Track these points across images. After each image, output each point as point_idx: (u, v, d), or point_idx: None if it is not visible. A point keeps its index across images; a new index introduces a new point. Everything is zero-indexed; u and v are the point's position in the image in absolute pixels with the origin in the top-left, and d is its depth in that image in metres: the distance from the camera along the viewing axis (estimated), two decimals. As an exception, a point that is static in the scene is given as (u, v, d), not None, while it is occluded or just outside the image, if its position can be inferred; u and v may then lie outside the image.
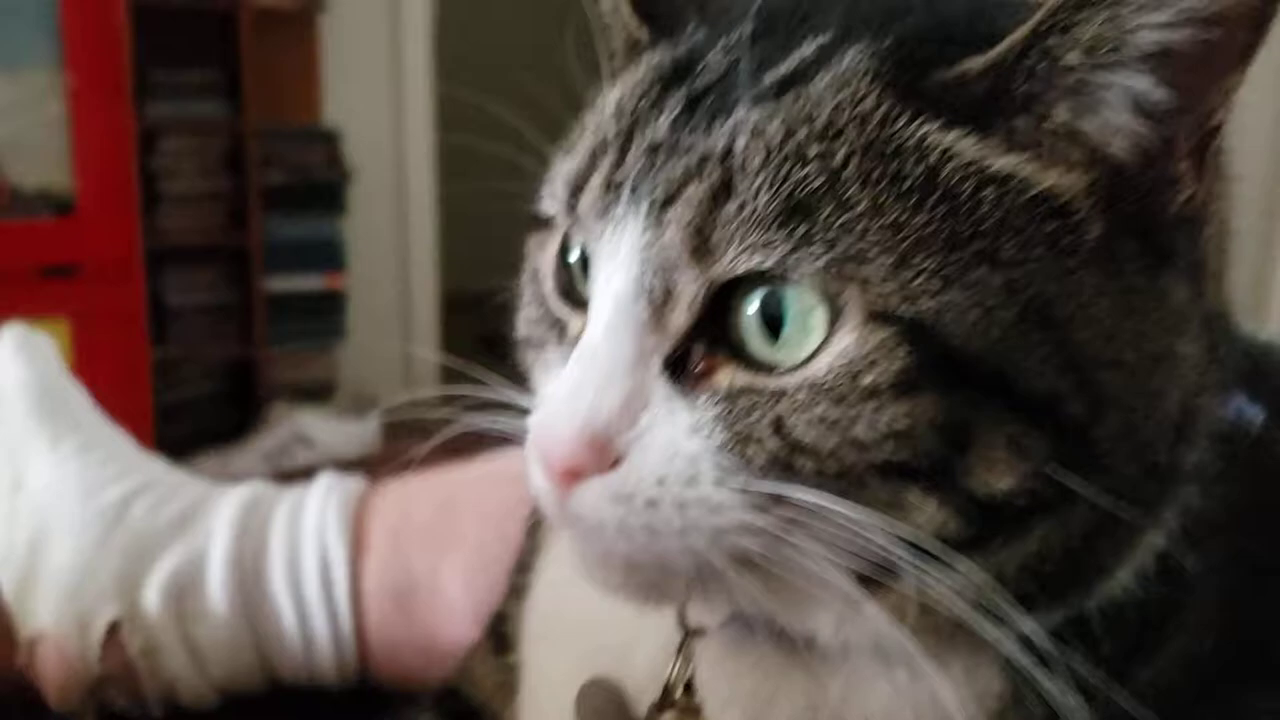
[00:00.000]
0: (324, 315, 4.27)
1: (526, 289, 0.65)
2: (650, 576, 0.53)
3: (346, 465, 1.16)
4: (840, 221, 0.48)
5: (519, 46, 6.08)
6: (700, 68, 0.55)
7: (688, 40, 0.59)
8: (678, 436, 0.50)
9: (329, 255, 4.23)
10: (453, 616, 1.00)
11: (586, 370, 0.52)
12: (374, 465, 1.12)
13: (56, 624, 0.97)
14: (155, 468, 1.09)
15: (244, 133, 3.89)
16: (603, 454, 0.51)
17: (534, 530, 0.77)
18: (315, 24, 4.19)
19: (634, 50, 0.62)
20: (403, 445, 0.79)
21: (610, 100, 0.58)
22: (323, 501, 1.05)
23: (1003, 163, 0.49)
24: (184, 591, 0.99)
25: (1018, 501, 0.49)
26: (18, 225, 3.14)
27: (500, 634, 0.80)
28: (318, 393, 4.29)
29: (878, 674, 0.57)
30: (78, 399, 1.11)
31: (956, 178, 0.49)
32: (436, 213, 4.81)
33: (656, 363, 0.52)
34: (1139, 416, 0.50)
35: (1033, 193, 0.49)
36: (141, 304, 3.46)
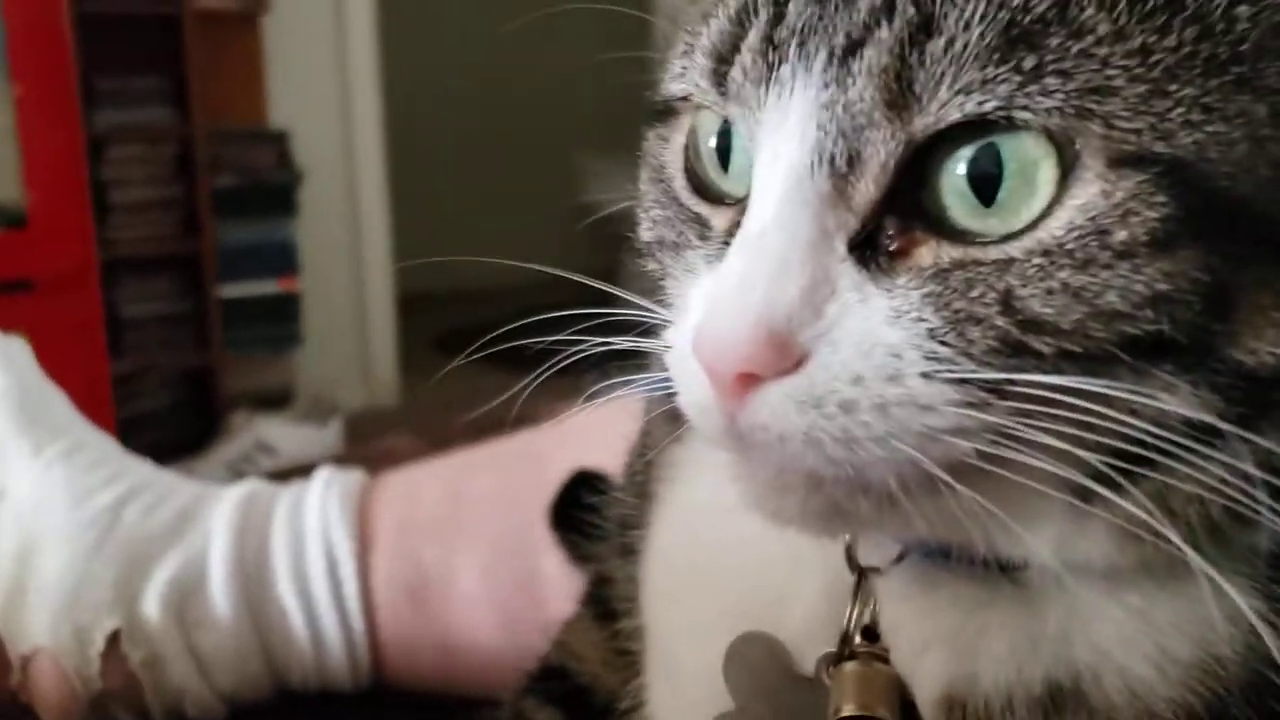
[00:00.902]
0: (280, 320, 4.22)
1: (650, 190, 0.57)
2: (835, 498, 0.47)
3: (309, 471, 1.10)
4: (1077, 49, 0.41)
5: (466, 38, 6.08)
6: None
7: None
8: (875, 326, 0.44)
9: (282, 259, 4.17)
10: (471, 610, 0.96)
11: (756, 258, 0.45)
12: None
13: (52, 639, 0.93)
14: (145, 470, 1.05)
15: (192, 137, 3.83)
16: (784, 352, 0.44)
17: (640, 483, 0.69)
18: (258, 25, 4.15)
19: None
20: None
21: None
22: (323, 497, 1.01)
23: None
24: (185, 598, 0.95)
25: None
26: (-30, 240, 3.06)
27: (604, 600, 0.72)
28: (277, 399, 4.25)
29: (1104, 599, 0.50)
30: (58, 403, 1.07)
31: None
32: (389, 211, 4.77)
33: (841, 244, 0.45)
34: None
35: None
36: (99, 316, 3.39)
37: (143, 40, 3.75)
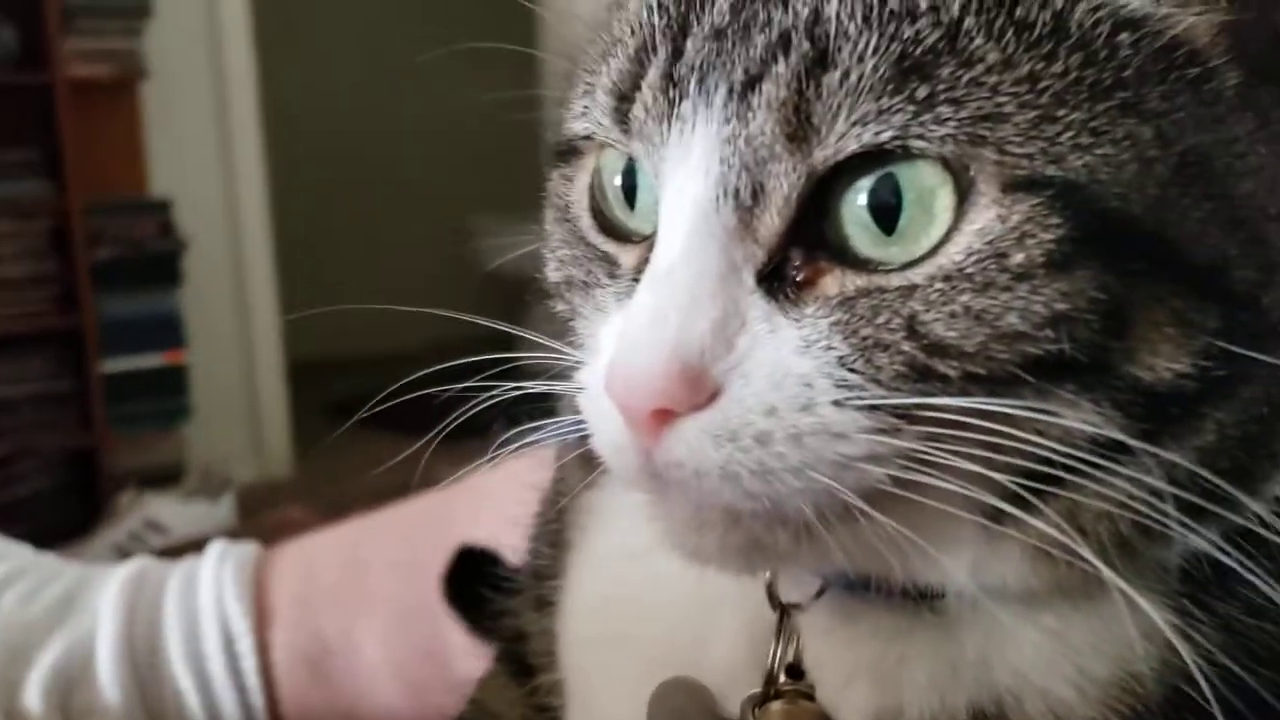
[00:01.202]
0: (167, 393, 4.14)
1: (556, 230, 0.57)
2: (753, 532, 0.46)
3: (202, 547, 1.06)
4: (968, 78, 0.42)
5: (350, 97, 6.05)
6: None
7: None
8: (785, 356, 0.44)
9: (168, 331, 4.11)
10: (376, 678, 0.93)
11: (666, 293, 0.45)
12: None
13: (-76, 739, 0.87)
14: (23, 553, 0.99)
15: (68, 210, 3.75)
16: (698, 386, 0.44)
17: (554, 531, 0.68)
18: (136, 92, 4.08)
19: None
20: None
21: (642, 4, 0.51)
22: (217, 571, 0.97)
23: (1137, 3, 0.44)
24: (70, 686, 0.90)
25: (1187, 386, 0.43)
26: None
27: (519, 656, 0.70)
28: (166, 475, 4.14)
29: (1021, 622, 0.50)
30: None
31: (1089, 22, 0.44)
32: (276, 278, 4.70)
33: (749, 277, 0.45)
34: None
35: (1167, 38, 0.44)
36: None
37: (13, 111, 3.69)
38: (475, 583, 0.76)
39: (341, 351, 5.83)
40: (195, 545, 1.05)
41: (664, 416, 0.44)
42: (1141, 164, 0.42)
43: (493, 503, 0.93)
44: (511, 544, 0.75)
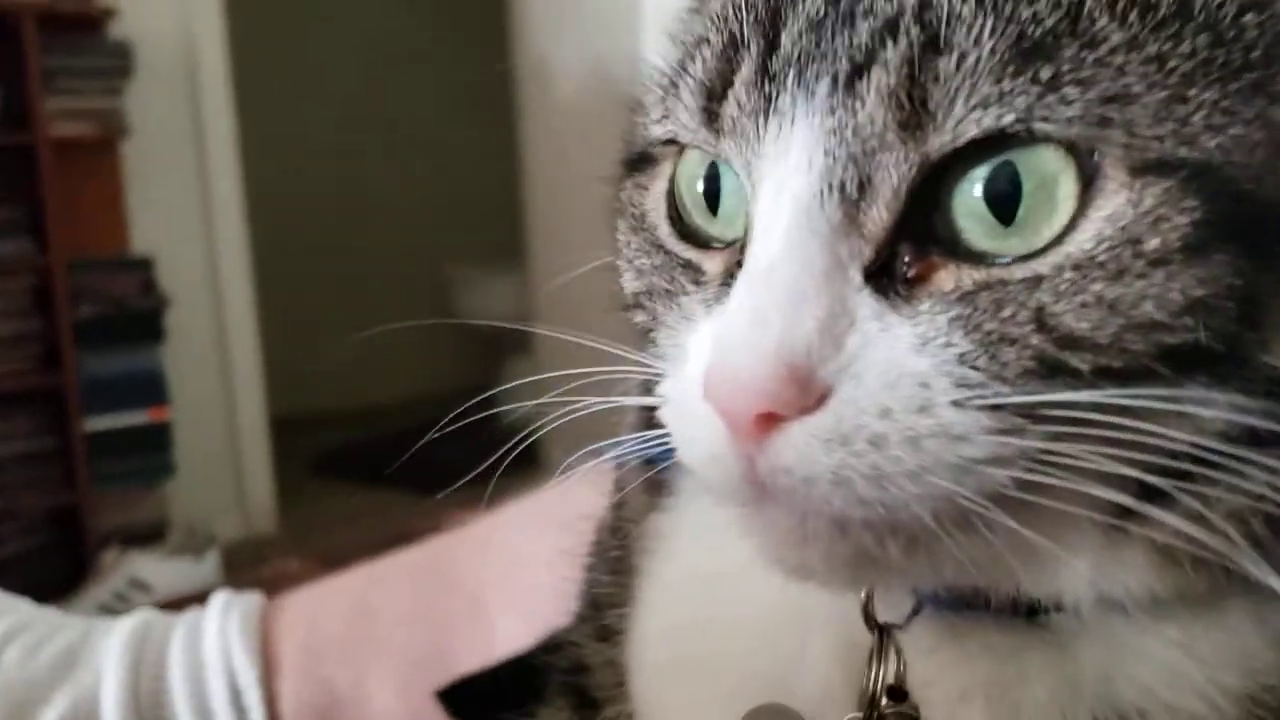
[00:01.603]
0: (150, 451, 4.10)
1: (631, 239, 0.55)
2: (862, 544, 0.44)
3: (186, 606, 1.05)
4: (1093, 58, 0.41)
5: (329, 153, 6.07)
6: None
7: None
8: (899, 355, 0.42)
9: (150, 388, 4.07)
10: (388, 727, 0.92)
11: (768, 292, 0.43)
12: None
13: (-73, 800, 0.85)
14: (24, 608, 0.98)
15: (50, 268, 3.73)
16: (806, 388, 0.41)
17: (616, 559, 0.65)
18: (117, 151, 4.08)
19: None
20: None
21: (725, 2, 0.50)
22: (222, 622, 0.96)
23: None
24: (76, 742, 0.89)
25: None
26: None
27: (581, 689, 0.66)
28: (150, 533, 4.09)
29: (1141, 635, 0.47)
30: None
31: (1215, 3, 0.42)
32: (258, 334, 4.69)
33: (856, 273, 0.43)
34: None
35: None
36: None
37: (-3, 171, 3.66)
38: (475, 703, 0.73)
39: (323, 405, 5.82)
40: (184, 603, 1.04)
41: (769, 421, 0.42)
42: (1274, 146, 0.41)
43: (494, 548, 0.92)
44: (519, 589, 0.74)
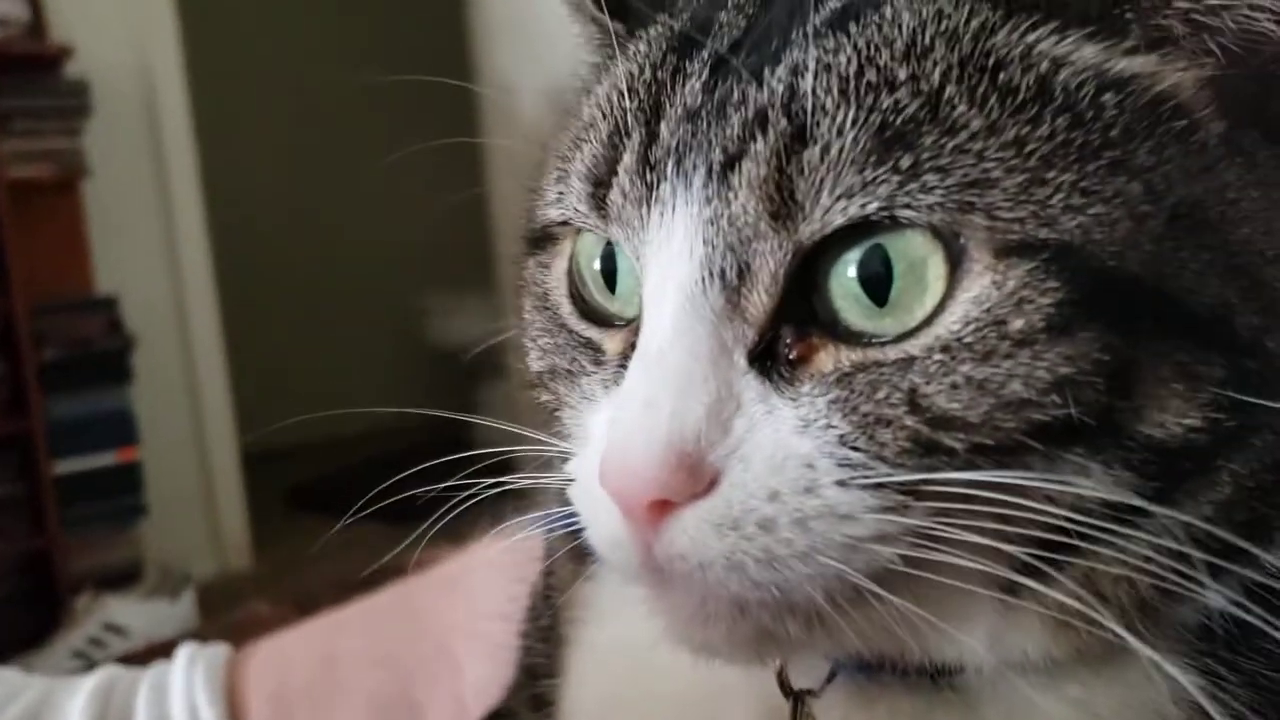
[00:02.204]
0: (121, 492, 4.05)
1: (536, 318, 0.57)
2: (761, 623, 0.45)
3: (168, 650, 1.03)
4: (952, 145, 0.42)
5: (294, 183, 6.04)
6: (716, 27, 0.50)
7: (685, 9, 0.53)
8: (784, 437, 0.43)
9: (119, 428, 4.02)
10: (355, 775, 0.90)
11: (657, 379, 0.44)
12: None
13: None
14: (-14, 670, 0.96)
15: (13, 312, 3.68)
16: (695, 475, 0.42)
17: (546, 628, 0.66)
18: (78, 190, 4.04)
19: (606, 47, 0.56)
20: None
21: (611, 88, 0.51)
22: (188, 676, 0.94)
23: (1122, 65, 0.44)
24: (40, 806, 0.87)
25: (1198, 440, 0.42)
26: None
27: None
28: (124, 576, 4.04)
29: (1044, 694, 0.48)
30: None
31: (1074, 85, 0.43)
32: (227, 370, 4.65)
33: (741, 357, 0.44)
34: None
35: (1152, 94, 0.44)
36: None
37: (-46, 215, 3.62)
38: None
39: (296, 438, 5.77)
40: (161, 650, 1.03)
41: (663, 508, 0.43)
42: (1134, 220, 0.42)
43: (461, 591, 0.91)
44: (486, 633, 0.74)
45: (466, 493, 0.53)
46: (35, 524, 3.79)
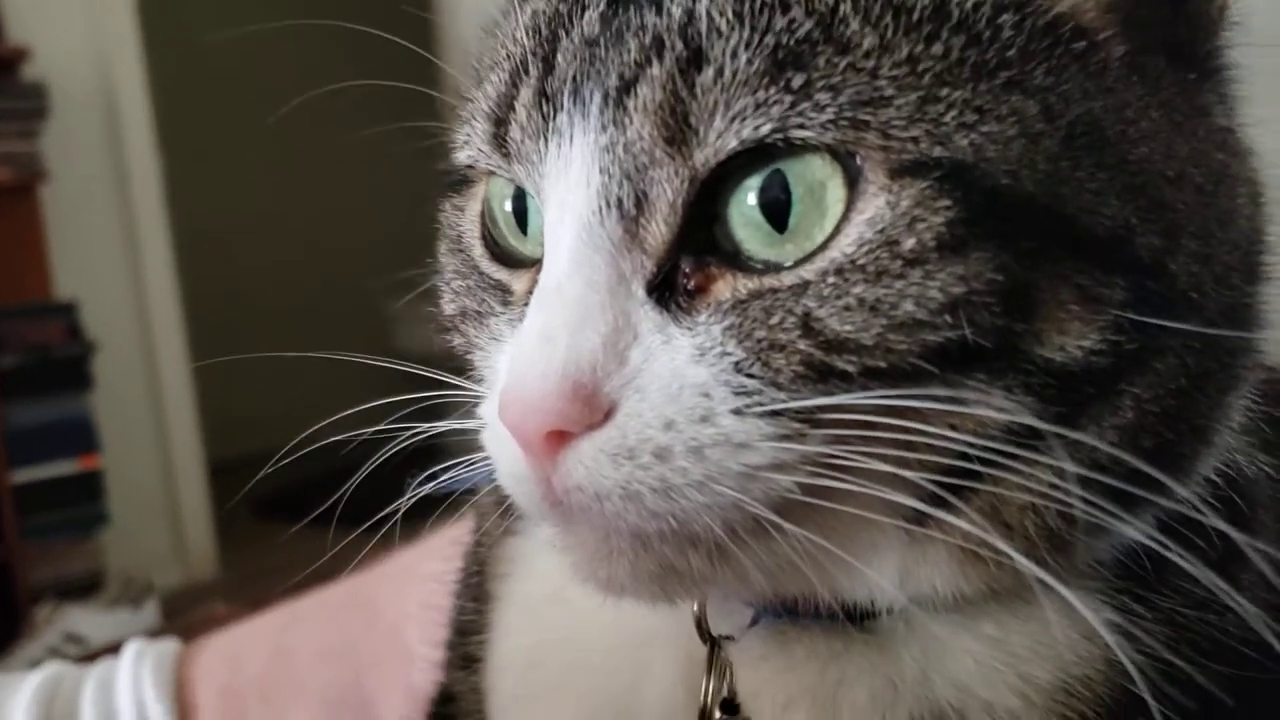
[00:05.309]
0: (82, 501, 3.99)
1: (449, 261, 0.57)
2: (664, 556, 0.45)
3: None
4: (845, 63, 0.42)
5: (256, 187, 5.99)
6: None
7: None
8: (680, 366, 0.43)
9: (80, 436, 3.96)
10: (308, 768, 0.88)
11: (555, 311, 0.44)
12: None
13: None
14: (-74, 671, 0.93)
15: (-32, 318, 3.63)
16: (591, 405, 0.42)
17: (475, 584, 0.65)
18: (36, 195, 3.99)
19: None
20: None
21: (515, 25, 0.51)
22: (135, 671, 0.92)
23: None
24: (-20, 806, 0.84)
25: (1100, 363, 0.42)
26: None
27: (449, 718, 0.67)
28: (85, 586, 3.99)
29: (959, 632, 0.48)
30: None
31: (970, 5, 0.43)
32: (190, 376, 4.60)
33: (639, 288, 0.44)
34: (1215, 242, 0.45)
35: (1051, 15, 0.44)
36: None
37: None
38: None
39: (262, 446, 5.70)
40: (112, 650, 1.00)
41: (560, 438, 0.43)
42: (1029, 139, 0.42)
43: (416, 583, 0.89)
44: (439, 619, 0.73)
45: (396, 447, 0.53)
46: (-6, 534, 3.73)
